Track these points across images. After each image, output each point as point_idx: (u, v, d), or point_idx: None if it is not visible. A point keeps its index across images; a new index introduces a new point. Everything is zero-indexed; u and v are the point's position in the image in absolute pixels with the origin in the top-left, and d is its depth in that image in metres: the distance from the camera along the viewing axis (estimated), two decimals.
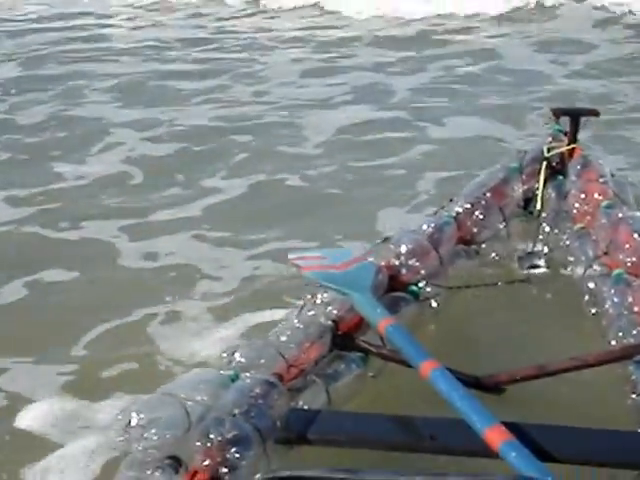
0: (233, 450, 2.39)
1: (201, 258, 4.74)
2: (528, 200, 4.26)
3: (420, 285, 3.58)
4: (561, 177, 4.29)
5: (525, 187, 4.23)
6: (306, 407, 2.85)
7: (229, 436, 2.41)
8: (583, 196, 3.98)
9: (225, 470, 2.37)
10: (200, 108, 7.75)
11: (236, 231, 5.07)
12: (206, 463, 2.37)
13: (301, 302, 3.32)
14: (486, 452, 2.43)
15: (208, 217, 5.33)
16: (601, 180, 4.05)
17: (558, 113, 4.57)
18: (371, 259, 3.56)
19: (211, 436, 2.41)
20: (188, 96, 8.14)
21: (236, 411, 2.52)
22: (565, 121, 4.50)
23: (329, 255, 3.54)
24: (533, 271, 3.99)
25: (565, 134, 4.46)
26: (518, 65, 8.71)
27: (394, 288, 3.53)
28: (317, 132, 6.86)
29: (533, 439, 2.47)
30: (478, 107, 7.38)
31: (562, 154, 4.38)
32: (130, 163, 6.34)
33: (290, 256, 3.53)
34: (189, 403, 2.53)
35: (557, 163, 4.36)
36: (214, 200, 5.61)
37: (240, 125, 7.11)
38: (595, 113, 4.58)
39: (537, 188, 4.21)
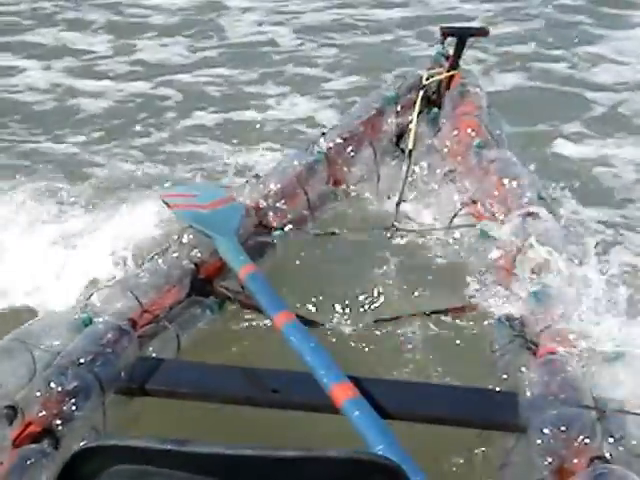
0: (71, 402, 2.30)
1: None
2: (401, 135, 4.04)
3: (286, 229, 3.50)
4: (436, 110, 4.08)
5: (399, 120, 4.03)
6: (154, 355, 2.76)
7: (69, 387, 2.32)
8: (455, 133, 3.78)
9: (59, 422, 2.27)
10: None
11: None
12: (41, 414, 2.27)
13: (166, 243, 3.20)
14: (330, 408, 2.36)
15: None
16: (476, 114, 3.86)
17: (446, 32, 4.15)
18: (240, 199, 3.47)
19: (52, 386, 2.31)
20: None
21: (82, 359, 2.43)
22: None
23: (201, 192, 3.48)
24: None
25: (447, 58, 4.15)
26: None
27: (259, 231, 3.46)
28: None
29: (380, 395, 2.41)
30: None
31: (440, 82, 4.11)
32: None
33: (162, 192, 3.45)
34: (38, 350, 2.45)
35: (434, 92, 4.13)
36: None
37: None
38: (484, 33, 4.30)
39: (410, 121, 3.92)
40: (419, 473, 2.02)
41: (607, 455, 2.13)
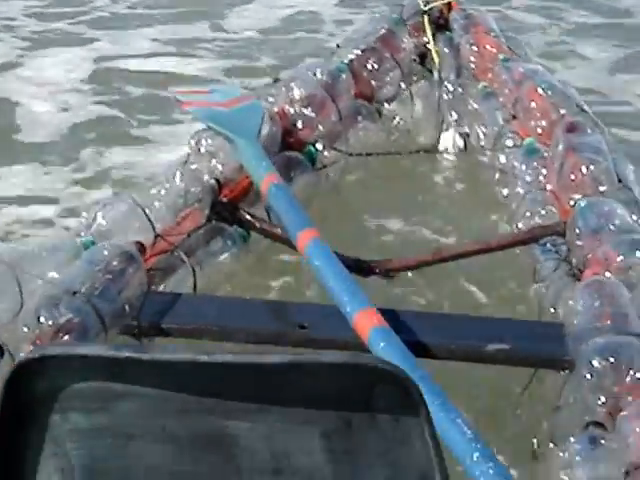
0: (64, 339, 1.99)
1: None
2: (421, 56, 3.89)
3: (318, 147, 3.22)
4: (449, 33, 3.94)
5: (415, 40, 3.87)
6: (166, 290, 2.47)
7: (62, 321, 2.03)
8: (476, 49, 3.71)
9: None
10: None
11: None
12: None
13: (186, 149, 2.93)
14: (362, 346, 2.07)
15: None
16: (492, 34, 3.78)
17: None
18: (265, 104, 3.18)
19: (42, 320, 2.03)
20: None
21: (78, 288, 2.13)
22: None
23: (217, 91, 3.24)
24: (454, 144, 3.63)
25: None
26: None
27: (289, 146, 3.15)
28: None
29: (411, 328, 2.19)
30: None
31: (441, 9, 4.00)
32: None
33: (177, 90, 3.33)
34: (27, 277, 2.15)
35: (438, 18, 3.98)
36: None
37: None
38: None
39: (428, 42, 3.83)
40: (453, 411, 1.78)
41: None
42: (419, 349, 2.08)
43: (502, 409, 2.27)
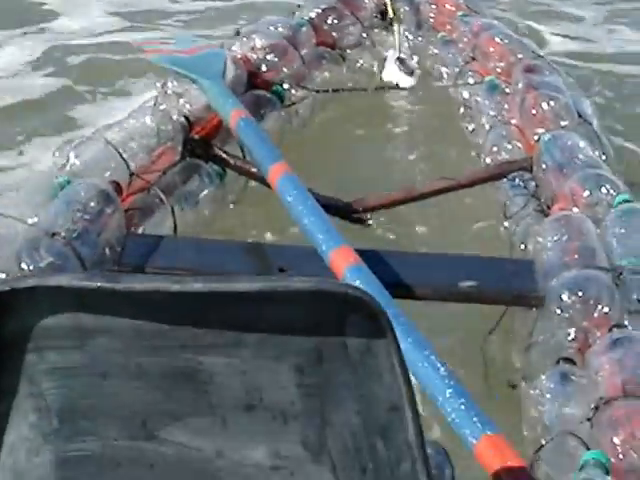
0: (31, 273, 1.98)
1: None
2: (383, 13, 4.05)
3: (285, 86, 3.28)
4: None
5: (376, 0, 4.05)
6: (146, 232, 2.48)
7: (43, 264, 2.02)
8: (435, 7, 4.01)
9: None
10: None
11: None
12: None
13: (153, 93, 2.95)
14: None
15: None
16: None
17: None
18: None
19: (22, 266, 2.02)
20: None
21: (57, 230, 2.12)
22: None
23: (180, 41, 3.31)
24: (401, 79, 3.78)
25: None
26: None
27: (255, 86, 3.21)
28: None
29: (386, 268, 2.20)
30: None
31: None
32: None
33: (135, 40, 3.33)
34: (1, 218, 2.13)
35: None
36: None
37: None
38: None
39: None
40: (427, 348, 1.79)
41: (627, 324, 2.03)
42: (393, 288, 2.09)
43: (475, 348, 2.27)
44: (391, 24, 3.97)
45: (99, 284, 1.02)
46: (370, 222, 2.74)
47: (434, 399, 1.69)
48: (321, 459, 1.08)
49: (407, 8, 4.05)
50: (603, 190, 2.43)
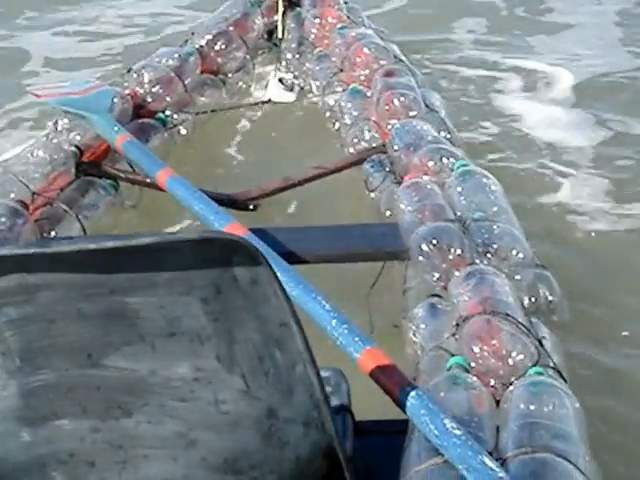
0: None
1: None
2: (270, 33, 4.48)
3: (167, 113, 3.62)
4: (299, 9, 4.51)
5: (266, 20, 4.43)
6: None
7: None
8: (318, 21, 4.30)
9: None
10: None
11: None
12: None
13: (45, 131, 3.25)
14: None
15: None
16: (336, 7, 4.36)
17: None
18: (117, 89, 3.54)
19: None
20: None
21: None
22: None
23: (69, 84, 3.54)
24: (283, 95, 4.15)
25: None
26: None
27: (141, 116, 3.55)
28: None
29: (276, 240, 2.53)
30: None
31: None
32: None
33: (29, 88, 3.55)
34: None
35: None
36: None
37: None
38: None
39: (277, 20, 4.40)
40: (313, 292, 2.08)
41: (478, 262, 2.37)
42: (288, 256, 2.40)
43: (359, 299, 2.59)
44: (275, 45, 4.36)
45: (33, 250, 1.22)
46: (252, 207, 3.08)
47: (323, 328, 1.96)
48: (233, 369, 1.28)
49: (293, 25, 4.45)
50: (444, 160, 2.84)
